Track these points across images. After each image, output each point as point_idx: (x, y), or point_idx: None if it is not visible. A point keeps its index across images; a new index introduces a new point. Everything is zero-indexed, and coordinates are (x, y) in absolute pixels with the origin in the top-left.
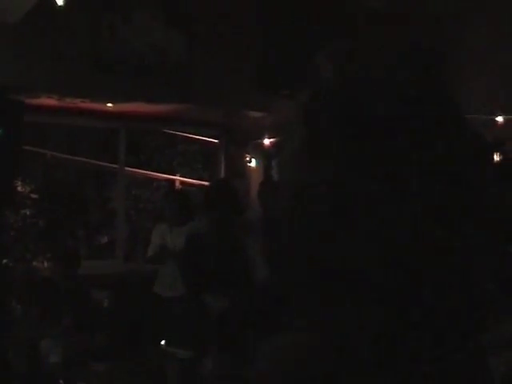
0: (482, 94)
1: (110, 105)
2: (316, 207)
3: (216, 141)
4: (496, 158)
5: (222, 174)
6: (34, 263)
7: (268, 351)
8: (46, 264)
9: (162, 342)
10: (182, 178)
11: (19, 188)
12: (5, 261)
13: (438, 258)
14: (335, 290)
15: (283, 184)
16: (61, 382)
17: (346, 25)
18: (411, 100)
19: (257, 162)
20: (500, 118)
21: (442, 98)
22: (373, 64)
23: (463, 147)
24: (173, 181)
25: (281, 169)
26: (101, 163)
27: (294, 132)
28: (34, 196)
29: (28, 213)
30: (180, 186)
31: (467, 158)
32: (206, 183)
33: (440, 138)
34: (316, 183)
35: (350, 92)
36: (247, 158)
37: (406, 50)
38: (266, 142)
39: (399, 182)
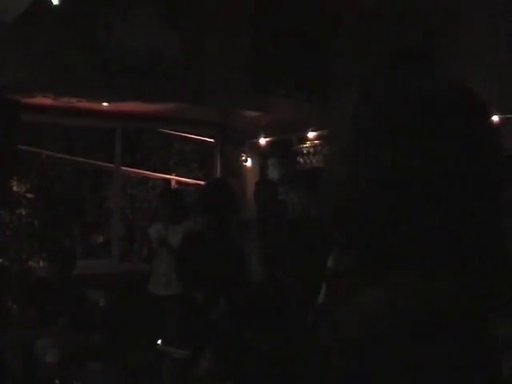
0: (477, 93)
1: (106, 104)
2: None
3: (212, 140)
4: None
5: (218, 174)
6: (30, 263)
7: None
8: (41, 264)
9: (159, 342)
10: (177, 178)
11: (15, 187)
12: (0, 260)
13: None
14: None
15: (330, 182)
16: (57, 381)
17: (341, 24)
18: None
19: (253, 162)
20: (495, 118)
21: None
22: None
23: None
24: (169, 180)
25: (329, 169)
26: (97, 163)
27: (343, 132)
28: (29, 196)
29: (24, 212)
30: (176, 186)
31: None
32: (201, 182)
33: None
34: (367, 182)
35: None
36: (243, 158)
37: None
38: (262, 141)
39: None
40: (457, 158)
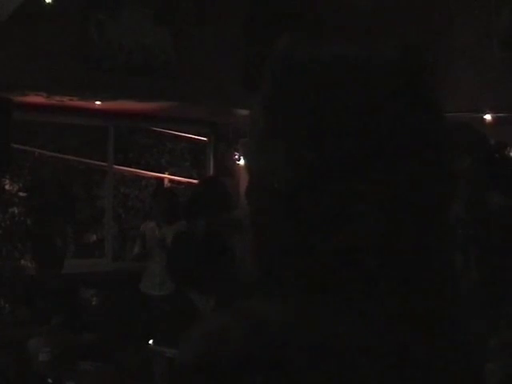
0: (469, 92)
1: (98, 103)
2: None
3: (205, 139)
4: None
5: (211, 172)
6: (22, 262)
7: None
8: (34, 263)
9: (150, 341)
10: (170, 176)
11: (7, 186)
12: None
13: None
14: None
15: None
16: (49, 380)
17: (333, 24)
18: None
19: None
20: (488, 116)
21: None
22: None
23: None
24: (161, 179)
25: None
26: (89, 161)
27: (256, 120)
28: (22, 194)
29: (16, 211)
30: (169, 184)
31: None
32: (194, 181)
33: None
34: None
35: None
36: (236, 156)
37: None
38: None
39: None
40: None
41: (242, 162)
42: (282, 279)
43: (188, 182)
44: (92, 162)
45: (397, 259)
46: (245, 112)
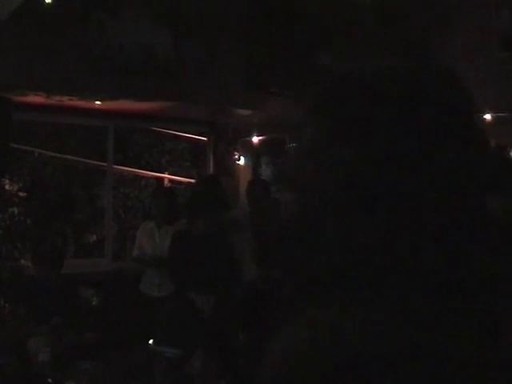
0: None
1: (98, 102)
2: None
3: (204, 138)
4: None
5: (211, 172)
6: (22, 261)
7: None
8: (33, 263)
9: (150, 341)
10: (170, 176)
11: (7, 186)
12: None
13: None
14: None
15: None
16: (49, 380)
17: (333, 23)
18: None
19: (245, 160)
20: (488, 116)
21: (447, 96)
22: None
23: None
24: (161, 179)
25: (293, 166)
26: (89, 161)
27: (306, 129)
28: (21, 194)
29: (16, 211)
30: (169, 184)
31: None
32: (194, 181)
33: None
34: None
35: (355, 90)
36: (236, 156)
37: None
38: (255, 139)
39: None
40: (436, 158)
41: (241, 161)
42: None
43: (188, 182)
44: (92, 161)
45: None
46: (245, 112)
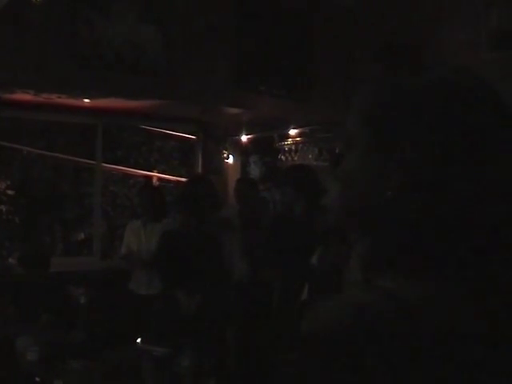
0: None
1: (87, 100)
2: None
3: (193, 137)
4: None
5: (200, 171)
6: (10, 260)
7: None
8: (20, 261)
9: (138, 340)
10: (159, 175)
11: None
12: None
13: None
14: None
15: (348, 183)
16: (37, 379)
17: (319, 23)
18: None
19: (234, 159)
20: None
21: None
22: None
23: None
24: (150, 177)
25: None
26: (78, 159)
27: (357, 134)
28: (10, 192)
29: (4, 209)
30: (158, 183)
31: None
32: (183, 179)
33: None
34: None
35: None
36: (224, 155)
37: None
38: (244, 138)
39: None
40: (495, 159)
41: (230, 160)
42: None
43: (177, 181)
44: (80, 159)
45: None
46: (234, 110)
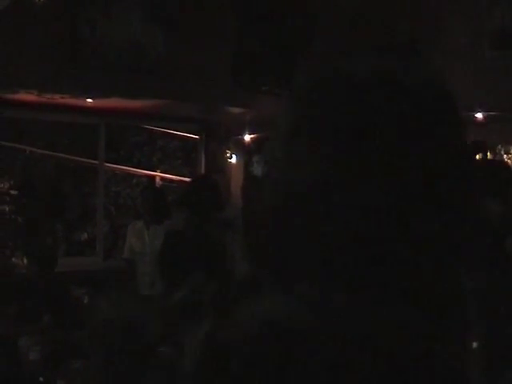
0: (460, 91)
1: (89, 100)
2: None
3: (196, 136)
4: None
5: (203, 170)
6: (13, 260)
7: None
8: (25, 261)
9: None
10: (162, 174)
11: None
12: None
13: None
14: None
15: (270, 180)
16: (40, 379)
17: (319, 23)
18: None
19: (237, 158)
20: (479, 115)
21: (431, 92)
22: (358, 61)
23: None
24: (153, 177)
25: (268, 164)
26: (80, 159)
27: (282, 127)
28: (12, 192)
29: (7, 209)
30: (160, 182)
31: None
32: (186, 179)
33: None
34: (302, 180)
35: (337, 89)
36: (228, 154)
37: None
38: (247, 138)
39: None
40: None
41: (233, 159)
42: (296, 275)
43: (179, 180)
44: (83, 159)
45: (408, 255)
46: (236, 110)
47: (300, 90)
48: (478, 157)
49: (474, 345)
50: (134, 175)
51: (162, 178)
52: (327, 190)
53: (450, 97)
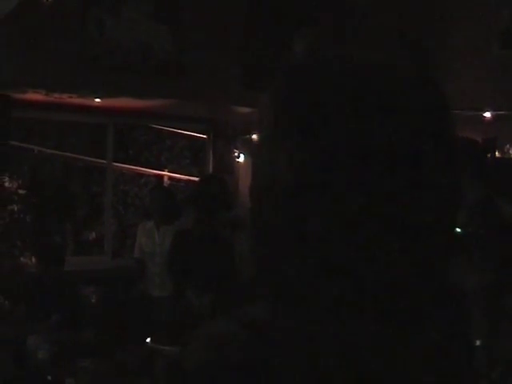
0: (469, 90)
1: (97, 100)
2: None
3: (204, 136)
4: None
5: (211, 170)
6: (22, 259)
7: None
8: (33, 260)
9: (148, 340)
10: (170, 174)
11: (6, 184)
12: None
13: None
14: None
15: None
16: (49, 378)
17: (332, 24)
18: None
19: (245, 158)
20: (487, 114)
21: (430, 90)
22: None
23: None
24: (161, 176)
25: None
26: (89, 159)
27: (263, 121)
28: (21, 192)
29: (15, 209)
30: (168, 182)
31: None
32: (194, 178)
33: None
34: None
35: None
36: (235, 154)
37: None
38: (255, 137)
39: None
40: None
41: (241, 159)
42: (278, 281)
43: (188, 180)
44: (91, 159)
45: (395, 272)
46: (244, 110)
47: (277, 88)
48: (488, 155)
49: (477, 342)
50: (142, 175)
51: (170, 178)
52: (304, 190)
53: (432, 84)
